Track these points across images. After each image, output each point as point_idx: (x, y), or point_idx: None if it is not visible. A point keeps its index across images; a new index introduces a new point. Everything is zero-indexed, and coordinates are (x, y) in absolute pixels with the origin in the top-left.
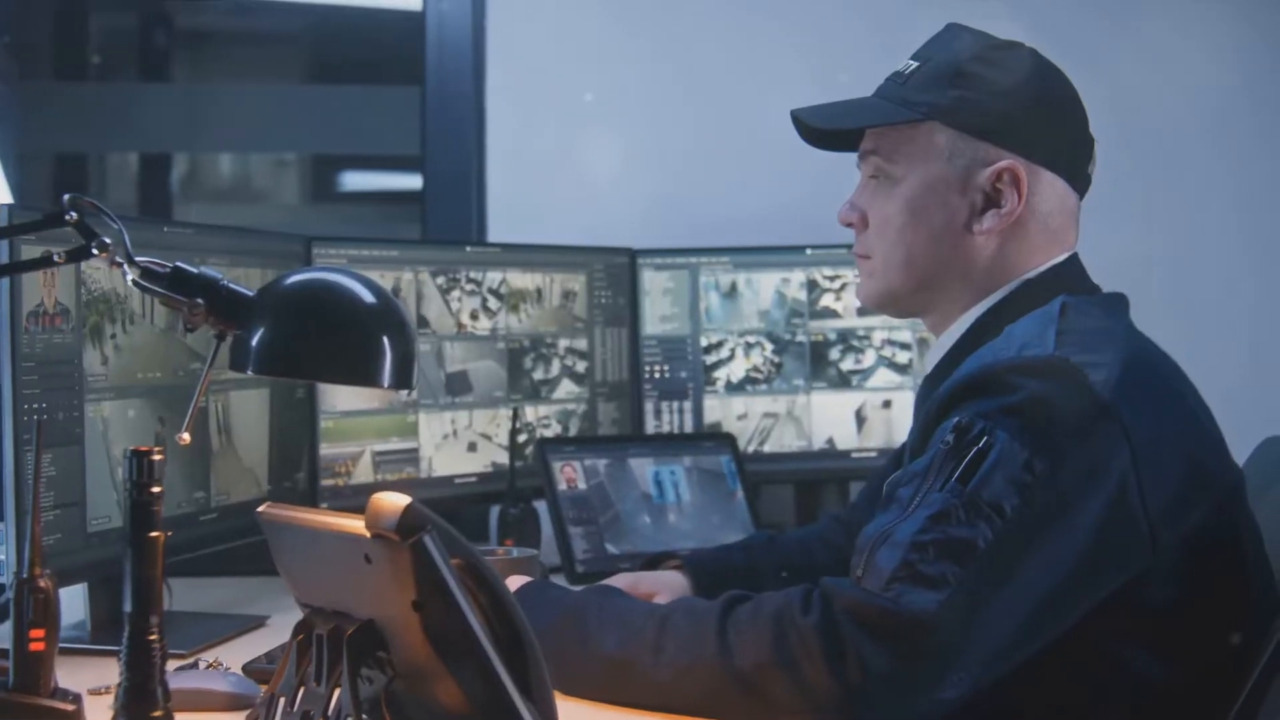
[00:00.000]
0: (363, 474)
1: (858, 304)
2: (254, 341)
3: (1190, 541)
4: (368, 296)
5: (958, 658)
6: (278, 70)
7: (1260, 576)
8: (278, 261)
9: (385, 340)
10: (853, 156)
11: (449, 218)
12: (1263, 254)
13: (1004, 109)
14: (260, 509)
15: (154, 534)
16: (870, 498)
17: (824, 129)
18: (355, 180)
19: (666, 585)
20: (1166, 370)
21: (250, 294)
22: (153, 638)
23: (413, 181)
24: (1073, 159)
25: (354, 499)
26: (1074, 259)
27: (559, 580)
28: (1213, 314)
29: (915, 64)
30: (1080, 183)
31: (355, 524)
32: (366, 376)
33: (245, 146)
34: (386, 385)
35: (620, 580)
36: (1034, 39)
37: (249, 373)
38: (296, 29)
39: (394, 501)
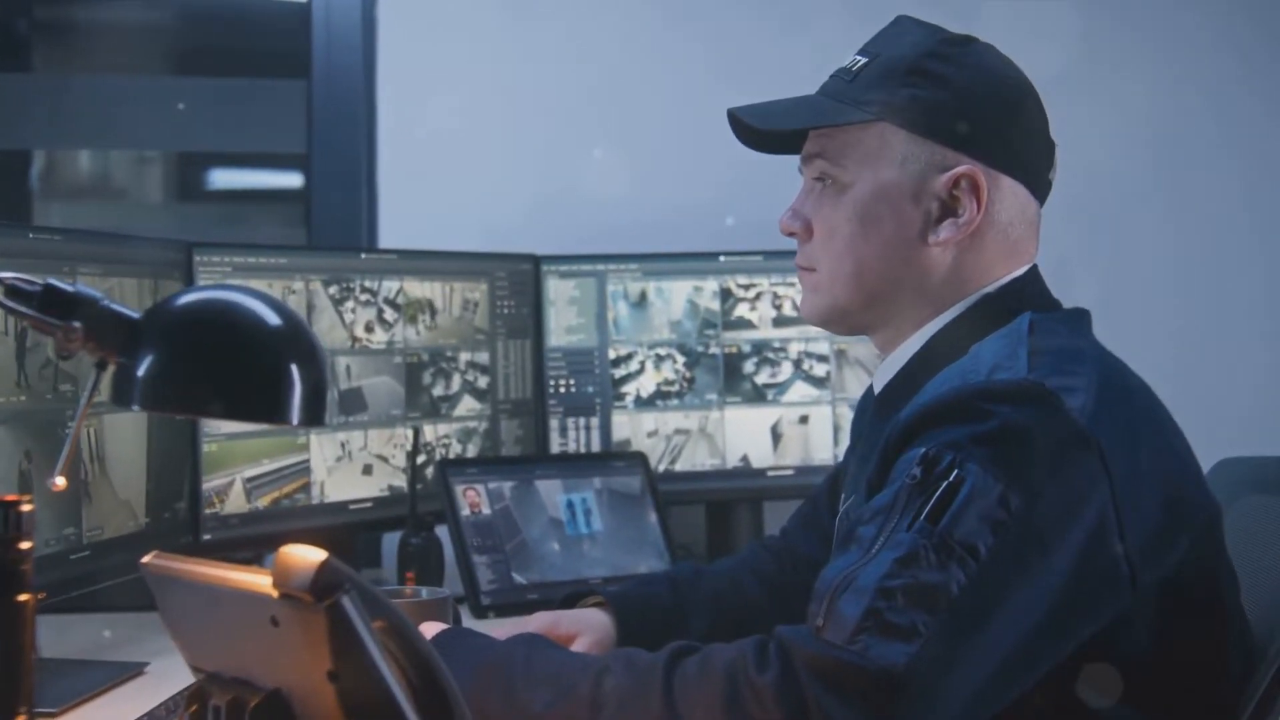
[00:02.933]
0: (245, 501)
1: (773, 314)
2: (140, 372)
3: (1170, 581)
4: (272, 319)
5: (930, 714)
6: (146, 61)
7: (1236, 616)
8: (155, 270)
9: (293, 369)
10: (779, 158)
11: (336, 221)
12: (1206, 264)
13: (960, 109)
14: (145, 560)
15: (24, 597)
16: (804, 524)
17: (764, 130)
18: (226, 178)
19: (588, 625)
20: (1140, 393)
21: (135, 316)
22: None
23: (289, 180)
24: (1033, 164)
25: (241, 529)
26: (1034, 271)
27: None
28: (1161, 329)
29: (863, 59)
30: (1041, 189)
31: (260, 581)
32: (272, 411)
33: (111, 142)
34: (296, 421)
35: (537, 621)
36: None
37: (134, 408)
38: (168, 19)
39: (306, 557)
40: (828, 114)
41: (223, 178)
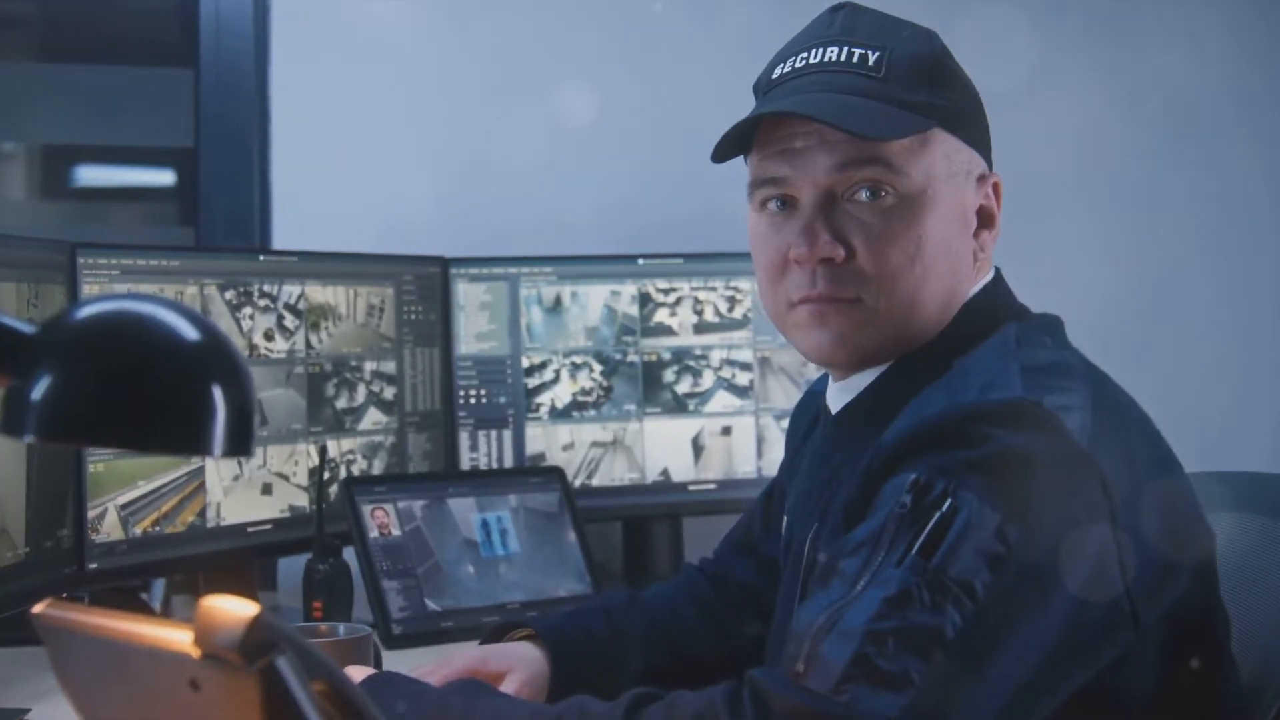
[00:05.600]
0: (122, 531)
1: (694, 320)
2: (35, 396)
3: (1171, 617)
4: (190, 333)
5: None
6: (9, 47)
7: (1229, 651)
8: (36, 274)
9: (215, 392)
10: (701, 158)
11: (226, 220)
12: (1158, 274)
13: (979, 111)
14: (38, 609)
15: None
16: (737, 548)
17: (866, 137)
18: (94, 174)
19: (520, 660)
20: (1132, 408)
21: (29, 331)
22: None
23: (161, 176)
24: None
25: (129, 556)
26: (1000, 275)
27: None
28: (1122, 342)
29: (875, 54)
30: None
31: (177, 638)
32: (191, 442)
33: None
34: (219, 453)
35: (464, 658)
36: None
37: (27, 439)
38: (31, 6)
39: (234, 612)
40: (909, 123)
41: (90, 174)
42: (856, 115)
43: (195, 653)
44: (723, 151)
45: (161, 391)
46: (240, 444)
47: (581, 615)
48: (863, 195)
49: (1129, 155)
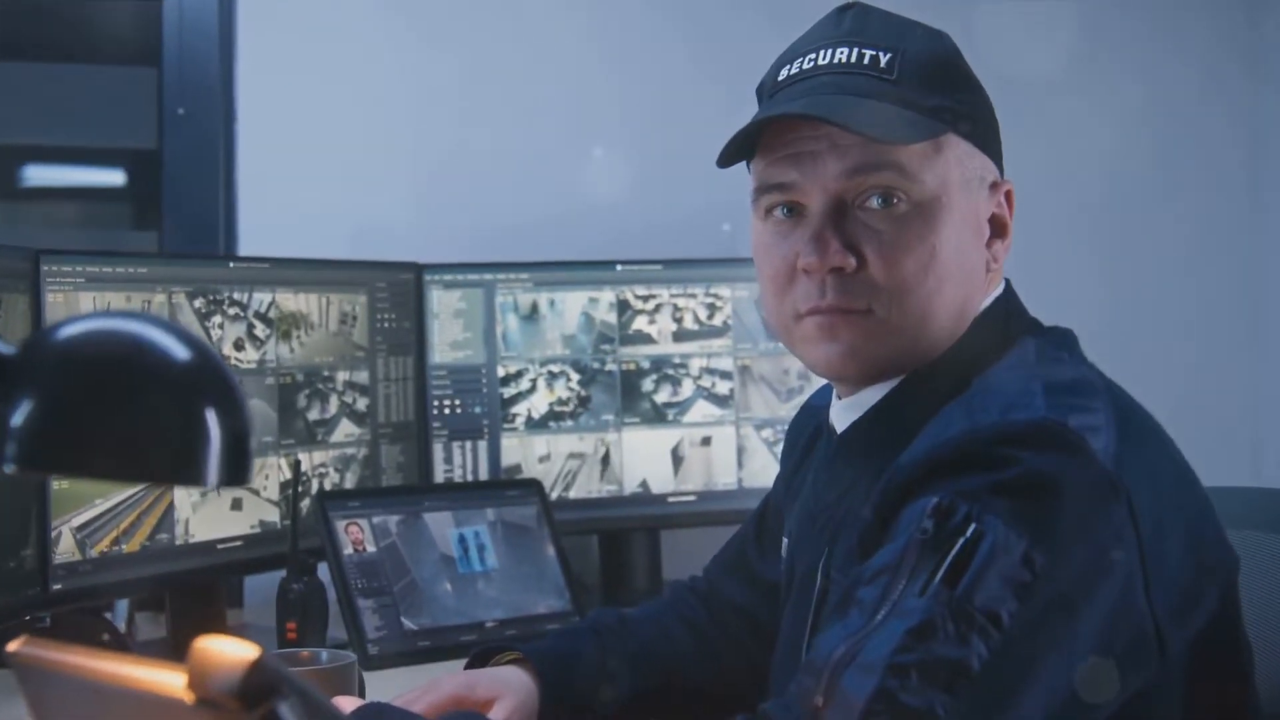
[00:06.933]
0: (79, 554)
1: (673, 328)
2: (16, 422)
3: (1197, 644)
4: (180, 352)
5: None
6: None
7: (1252, 680)
8: None
9: (208, 416)
10: (683, 160)
11: (189, 224)
12: (1142, 295)
13: (991, 115)
14: (13, 647)
15: None
16: (729, 568)
17: (879, 140)
18: (52, 176)
19: (509, 686)
20: (1152, 426)
21: (7, 351)
22: None
23: (122, 179)
24: None
25: (95, 576)
26: (1011, 288)
27: None
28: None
29: (886, 55)
30: None
31: (168, 681)
32: (184, 471)
33: None
34: (213, 481)
35: (451, 684)
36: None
37: (7, 469)
38: None
39: (232, 655)
40: (920, 125)
41: (46, 175)
42: (869, 118)
43: (188, 697)
44: (727, 156)
45: (152, 417)
46: (237, 472)
47: (570, 638)
48: (874, 202)
49: (1107, 153)
